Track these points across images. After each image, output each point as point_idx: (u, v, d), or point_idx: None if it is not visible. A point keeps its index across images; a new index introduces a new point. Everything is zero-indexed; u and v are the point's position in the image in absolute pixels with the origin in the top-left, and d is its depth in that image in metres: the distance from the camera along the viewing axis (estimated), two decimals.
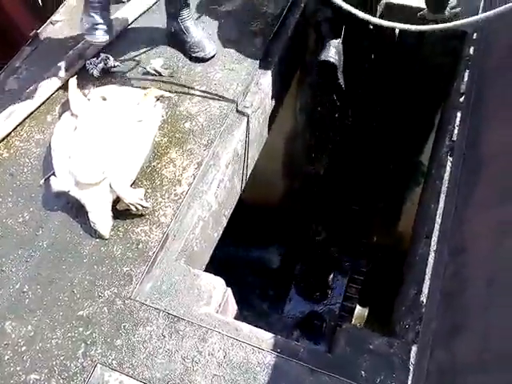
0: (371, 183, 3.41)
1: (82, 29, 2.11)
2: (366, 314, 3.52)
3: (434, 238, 1.76)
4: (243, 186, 2.31)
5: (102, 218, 1.75)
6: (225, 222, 2.18)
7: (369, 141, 3.14)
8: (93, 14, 2.04)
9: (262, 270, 3.94)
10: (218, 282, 1.71)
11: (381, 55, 2.53)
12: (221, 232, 2.15)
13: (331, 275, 3.57)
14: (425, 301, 1.66)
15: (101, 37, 2.08)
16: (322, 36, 2.51)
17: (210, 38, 2.28)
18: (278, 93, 2.39)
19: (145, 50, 2.30)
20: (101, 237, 1.78)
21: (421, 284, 1.69)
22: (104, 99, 1.99)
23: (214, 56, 2.25)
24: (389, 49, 2.51)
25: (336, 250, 3.64)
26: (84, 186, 1.76)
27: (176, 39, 2.25)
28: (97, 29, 2.06)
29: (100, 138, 1.85)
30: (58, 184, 1.79)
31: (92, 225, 1.75)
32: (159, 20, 2.36)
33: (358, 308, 3.53)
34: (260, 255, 4.03)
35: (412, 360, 1.53)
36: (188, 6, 2.17)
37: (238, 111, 2.09)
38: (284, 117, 2.75)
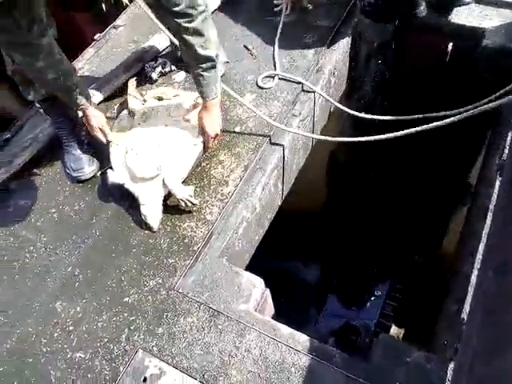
0: (417, 202, 3.39)
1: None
2: (402, 334, 3.47)
3: (479, 256, 1.74)
4: (286, 192, 2.36)
5: (152, 212, 1.84)
6: (267, 225, 2.23)
7: (418, 158, 3.14)
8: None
9: (298, 281, 3.95)
10: (258, 281, 1.75)
11: (433, 70, 2.54)
12: (262, 235, 2.20)
13: (369, 290, 3.55)
14: (465, 318, 1.64)
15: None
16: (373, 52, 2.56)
17: (221, 48, 2.28)
18: (327, 103, 2.43)
19: None
20: (150, 229, 1.86)
21: (462, 301, 1.68)
22: (160, 99, 2.09)
23: (222, 75, 2.26)
24: (441, 65, 2.52)
25: (376, 265, 3.62)
26: (139, 180, 1.85)
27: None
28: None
29: (156, 135, 1.95)
30: (114, 177, 1.89)
31: (143, 217, 1.84)
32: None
33: (394, 327, 3.48)
34: (296, 266, 4.05)
35: (449, 376, 1.51)
36: None
37: (286, 119, 2.14)
38: (330, 128, 2.79)
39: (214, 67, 1.81)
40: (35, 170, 2.06)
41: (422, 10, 2.42)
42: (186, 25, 1.66)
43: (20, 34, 1.54)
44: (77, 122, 2.03)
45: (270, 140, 2.08)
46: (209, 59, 1.77)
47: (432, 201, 3.43)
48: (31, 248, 1.87)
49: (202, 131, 1.93)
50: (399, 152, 2.99)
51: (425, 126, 1.82)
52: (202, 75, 1.81)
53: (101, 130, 1.92)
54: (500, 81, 2.08)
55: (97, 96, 2.20)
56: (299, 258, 4.04)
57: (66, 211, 1.96)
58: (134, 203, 1.89)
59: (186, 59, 1.84)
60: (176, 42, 2.03)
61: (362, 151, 3.13)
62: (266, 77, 2.28)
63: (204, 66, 1.78)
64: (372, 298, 3.56)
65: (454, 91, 2.56)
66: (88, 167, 2.05)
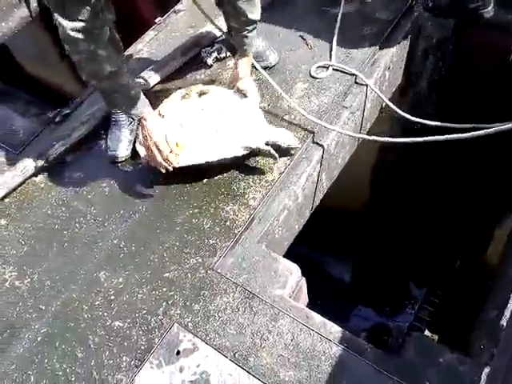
0: (464, 206, 3.28)
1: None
2: (436, 340, 3.38)
3: None
4: (329, 184, 2.34)
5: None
6: (307, 215, 2.23)
7: (467, 161, 3.03)
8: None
9: (332, 278, 3.92)
10: (295, 268, 1.76)
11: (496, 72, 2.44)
12: (302, 225, 2.20)
13: (406, 293, 3.48)
14: (505, 324, 1.59)
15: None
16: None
17: (272, 48, 2.34)
18: (378, 98, 2.39)
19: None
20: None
21: (504, 307, 1.62)
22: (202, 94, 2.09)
23: (275, 65, 2.33)
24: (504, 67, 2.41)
25: (415, 269, 3.54)
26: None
27: None
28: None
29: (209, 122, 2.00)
30: None
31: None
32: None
33: (427, 332, 3.40)
34: (331, 263, 4.01)
35: (483, 381, 1.47)
36: None
37: (336, 110, 2.13)
38: (380, 124, 2.74)
39: (255, 28, 2.01)
40: (91, 145, 2.16)
41: (490, 10, 2.32)
42: None
43: (90, 20, 1.58)
44: None
45: (317, 131, 2.07)
46: (255, 22, 1.97)
47: (479, 205, 3.30)
48: (81, 219, 1.97)
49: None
50: (448, 154, 2.90)
51: (475, 133, 1.77)
52: (247, 36, 2.00)
53: (158, 149, 1.87)
54: None
55: (154, 78, 2.27)
56: (335, 254, 4.00)
57: (116, 186, 2.05)
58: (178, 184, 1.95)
59: (234, 24, 1.98)
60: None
61: (410, 151, 3.05)
62: (320, 67, 2.28)
63: (250, 27, 1.98)
64: (407, 301, 3.49)
65: None
66: (122, 151, 2.10)
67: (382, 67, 2.27)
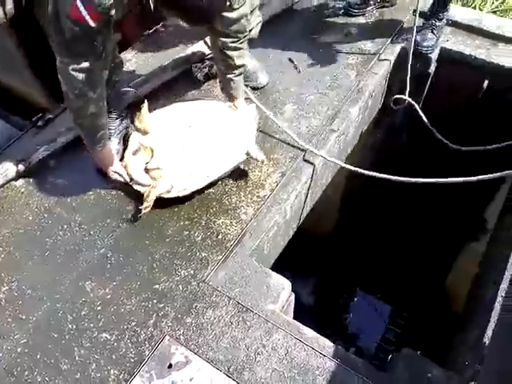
0: (428, 233, 3.44)
1: None
2: None
3: (504, 285, 1.79)
4: (311, 204, 2.40)
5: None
6: (291, 233, 2.26)
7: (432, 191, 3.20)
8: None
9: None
10: (287, 284, 1.77)
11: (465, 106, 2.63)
12: (286, 242, 2.23)
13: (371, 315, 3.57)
14: (487, 342, 1.67)
15: None
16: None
17: (262, 69, 2.41)
18: (361, 124, 2.50)
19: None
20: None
21: (485, 326, 1.71)
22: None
23: (265, 86, 2.40)
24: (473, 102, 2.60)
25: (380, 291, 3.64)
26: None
27: None
28: None
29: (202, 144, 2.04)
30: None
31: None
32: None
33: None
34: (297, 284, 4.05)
35: None
36: None
37: (325, 133, 2.20)
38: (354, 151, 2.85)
39: (242, 73, 2.08)
40: (77, 152, 2.09)
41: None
42: (232, 44, 1.90)
43: (92, 62, 1.60)
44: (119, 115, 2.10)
45: (307, 151, 2.13)
46: (241, 67, 2.02)
47: (442, 233, 3.47)
48: (65, 226, 1.89)
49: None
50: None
51: (443, 180, 1.90)
52: (233, 80, 2.05)
53: (115, 172, 1.94)
54: None
55: (143, 88, 2.25)
56: (301, 274, 4.04)
57: (103, 195, 1.99)
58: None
59: (221, 66, 2.03)
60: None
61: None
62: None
63: (237, 72, 2.03)
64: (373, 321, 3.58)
65: (483, 129, 2.65)
66: None
67: (366, 95, 2.38)
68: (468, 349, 1.72)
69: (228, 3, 1.72)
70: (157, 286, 1.73)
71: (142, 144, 2.01)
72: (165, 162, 1.97)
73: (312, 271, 3.97)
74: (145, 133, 2.05)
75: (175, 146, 2.02)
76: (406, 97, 2.37)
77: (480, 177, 1.86)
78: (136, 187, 1.93)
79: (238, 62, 1.97)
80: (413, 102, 2.36)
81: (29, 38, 3.36)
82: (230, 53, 1.93)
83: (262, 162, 1.99)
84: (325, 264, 3.84)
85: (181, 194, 1.92)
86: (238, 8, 1.79)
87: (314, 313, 3.90)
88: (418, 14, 2.27)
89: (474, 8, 3.14)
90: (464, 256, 3.32)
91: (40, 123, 2.16)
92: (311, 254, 3.79)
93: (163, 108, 2.17)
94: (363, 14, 2.71)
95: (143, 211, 1.86)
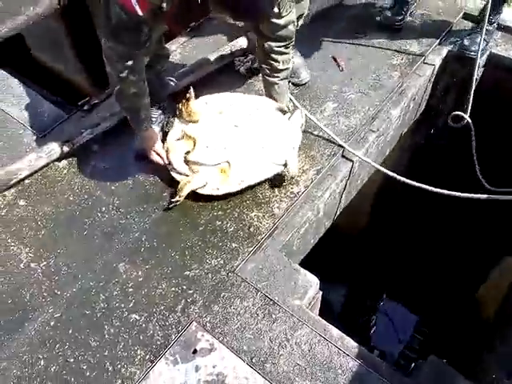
0: (462, 245, 3.36)
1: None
2: None
3: None
4: (345, 204, 2.38)
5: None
6: (323, 231, 2.25)
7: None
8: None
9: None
10: (315, 282, 1.77)
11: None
12: (316, 240, 2.22)
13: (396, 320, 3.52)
14: None
15: None
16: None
17: (305, 66, 2.39)
18: (401, 126, 2.46)
19: None
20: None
21: None
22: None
23: (306, 83, 2.38)
24: None
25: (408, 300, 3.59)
26: None
27: None
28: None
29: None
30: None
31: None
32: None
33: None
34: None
35: None
36: None
37: (364, 133, 2.18)
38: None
39: (287, 77, 2.07)
40: (119, 137, 2.15)
41: None
42: (278, 49, 1.92)
43: (136, 47, 1.67)
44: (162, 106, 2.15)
45: (344, 150, 2.12)
46: (286, 70, 2.02)
47: (476, 246, 3.38)
48: (103, 209, 1.95)
49: None
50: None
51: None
52: (277, 84, 2.05)
53: (156, 152, 1.98)
54: None
55: (185, 79, 2.29)
56: (330, 278, 4.03)
57: (141, 180, 2.04)
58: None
59: (265, 70, 2.03)
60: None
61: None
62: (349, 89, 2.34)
63: (281, 75, 2.02)
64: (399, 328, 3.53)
65: None
66: None
67: (409, 97, 2.34)
68: (497, 363, 1.68)
69: (276, 10, 1.75)
70: (187, 273, 1.76)
71: (185, 132, 2.02)
72: (204, 158, 1.97)
73: (340, 272, 3.94)
74: (189, 121, 2.05)
75: (218, 144, 2.00)
76: (466, 116, 2.23)
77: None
78: (173, 174, 1.96)
79: (282, 66, 1.98)
80: (471, 125, 2.24)
81: (78, 27, 3.48)
82: (275, 56, 1.95)
83: (292, 177, 1.99)
84: (353, 266, 3.81)
85: (214, 193, 1.93)
86: (286, 15, 1.82)
87: (340, 315, 3.89)
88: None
89: None
90: (498, 269, 3.22)
91: (86, 107, 2.23)
92: (340, 253, 3.76)
93: (211, 96, 2.13)
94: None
95: (173, 204, 1.91)
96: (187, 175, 1.94)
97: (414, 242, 3.63)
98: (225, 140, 2.02)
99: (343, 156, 2.11)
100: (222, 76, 2.41)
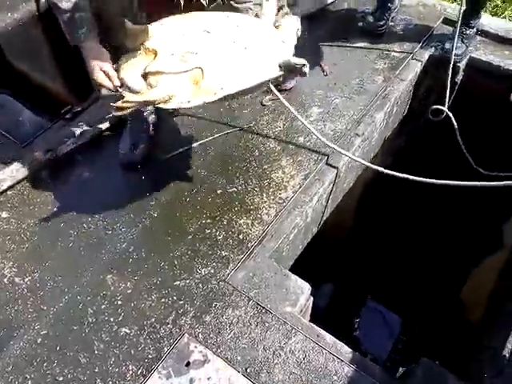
0: (443, 243, 3.40)
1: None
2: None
3: None
4: (331, 209, 2.39)
5: None
6: (310, 237, 2.25)
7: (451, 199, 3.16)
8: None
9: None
10: (306, 287, 1.76)
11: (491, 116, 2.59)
12: (304, 246, 2.22)
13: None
14: (507, 356, 1.65)
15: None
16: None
17: None
18: (385, 130, 2.48)
19: None
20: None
21: (506, 339, 1.68)
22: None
23: (291, 88, 2.36)
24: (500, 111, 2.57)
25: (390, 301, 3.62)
26: None
27: None
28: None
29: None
30: None
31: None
32: None
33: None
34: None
35: None
36: None
37: (349, 137, 2.19)
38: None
39: None
40: (103, 146, 2.11)
41: None
42: None
43: None
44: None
45: (331, 155, 2.12)
46: None
47: (457, 244, 3.42)
48: (89, 219, 1.91)
49: None
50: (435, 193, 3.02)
51: (470, 183, 1.82)
52: None
53: (104, 72, 1.60)
54: None
55: None
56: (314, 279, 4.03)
57: (127, 190, 2.01)
58: (191, 191, 1.93)
59: None
60: None
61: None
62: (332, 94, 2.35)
63: None
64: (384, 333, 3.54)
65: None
66: (137, 155, 2.07)
67: (392, 101, 2.36)
68: (487, 361, 1.70)
69: None
70: (177, 283, 1.73)
71: (143, 46, 1.64)
72: (169, 66, 1.59)
73: (323, 275, 3.96)
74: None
75: (186, 49, 1.64)
76: (445, 108, 2.31)
77: (501, 183, 1.80)
78: (126, 95, 1.55)
79: None
80: (451, 116, 2.31)
81: (55, 33, 3.40)
82: None
83: (304, 65, 1.67)
84: (336, 269, 3.81)
85: (183, 106, 1.60)
86: None
87: (324, 318, 3.89)
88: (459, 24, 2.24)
89: (504, 18, 3.10)
90: (480, 268, 3.27)
91: (68, 116, 2.19)
92: (324, 256, 3.77)
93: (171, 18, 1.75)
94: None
95: (114, 112, 1.55)
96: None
97: (398, 242, 3.67)
98: (194, 45, 1.65)
99: (328, 164, 2.11)
100: None
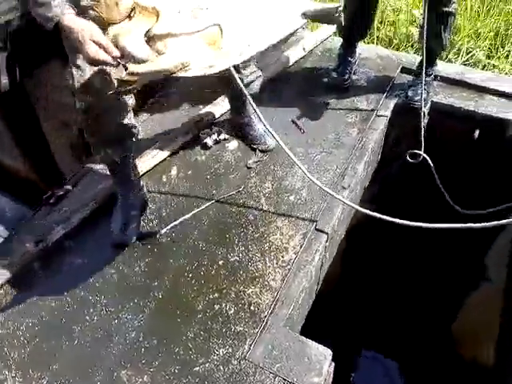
0: (433, 277, 3.49)
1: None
2: None
3: None
4: (329, 263, 2.40)
5: None
6: (314, 297, 2.25)
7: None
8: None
9: None
10: (327, 353, 1.74)
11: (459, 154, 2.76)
12: (310, 305, 2.21)
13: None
14: None
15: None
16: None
17: (268, 132, 2.35)
18: (365, 180, 2.57)
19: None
20: None
21: None
22: None
23: (273, 148, 2.41)
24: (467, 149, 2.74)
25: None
26: None
27: (240, 131, 2.44)
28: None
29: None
30: None
31: None
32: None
33: None
34: None
35: None
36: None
37: (337, 190, 2.25)
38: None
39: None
40: (93, 228, 2.03)
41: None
42: None
43: None
44: (138, 186, 2.06)
45: (323, 211, 2.16)
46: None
47: (447, 275, 3.51)
48: (91, 310, 1.81)
49: None
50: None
51: (454, 225, 1.90)
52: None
53: (96, 43, 1.30)
54: None
55: (158, 156, 2.25)
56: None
57: (126, 272, 1.93)
58: (195, 266, 1.89)
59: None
60: None
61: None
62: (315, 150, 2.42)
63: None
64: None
65: (478, 177, 2.79)
66: (130, 234, 2.01)
67: (369, 151, 2.46)
68: None
69: None
70: (196, 369, 1.66)
71: (138, 6, 1.35)
72: (178, 26, 1.33)
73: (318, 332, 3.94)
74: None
75: (195, 5, 1.39)
76: (421, 152, 2.45)
77: (484, 224, 1.89)
78: (132, 67, 1.28)
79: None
80: (427, 158, 2.44)
81: (17, 115, 3.29)
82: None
83: (338, 9, 1.52)
84: (330, 323, 3.81)
85: (207, 72, 1.31)
86: None
87: None
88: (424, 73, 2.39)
89: (449, 61, 3.36)
90: (467, 304, 3.38)
91: (52, 201, 2.09)
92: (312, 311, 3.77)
93: None
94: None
95: (119, 87, 1.31)
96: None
97: (384, 287, 3.71)
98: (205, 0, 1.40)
99: (317, 229, 2.11)
100: (188, 150, 2.39)
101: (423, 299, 3.56)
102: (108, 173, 2.05)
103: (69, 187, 2.15)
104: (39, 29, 1.38)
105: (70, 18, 1.32)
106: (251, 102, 1.90)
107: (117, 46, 1.31)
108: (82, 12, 1.37)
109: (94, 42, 1.30)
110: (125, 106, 1.76)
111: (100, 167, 2.21)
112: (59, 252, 1.96)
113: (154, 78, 1.38)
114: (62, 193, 2.12)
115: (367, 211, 2.18)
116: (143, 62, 1.28)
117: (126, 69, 1.26)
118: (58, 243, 1.96)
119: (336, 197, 2.10)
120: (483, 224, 1.88)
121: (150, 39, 1.30)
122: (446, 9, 2.42)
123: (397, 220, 2.07)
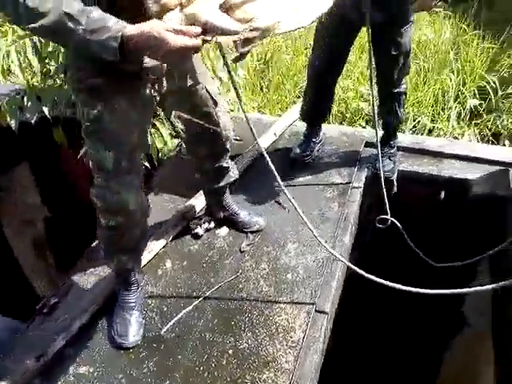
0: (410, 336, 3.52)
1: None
2: None
3: None
4: (329, 333, 2.40)
5: None
6: (319, 370, 2.21)
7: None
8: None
9: None
10: None
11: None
12: (318, 379, 2.17)
13: None
14: None
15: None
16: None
17: (254, 214, 2.52)
18: (349, 249, 2.67)
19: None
20: None
21: None
22: None
23: (264, 228, 2.49)
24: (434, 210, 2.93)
25: None
26: None
27: (228, 221, 2.49)
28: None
29: None
30: None
31: None
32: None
33: None
34: None
35: None
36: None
37: (330, 264, 2.31)
38: None
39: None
40: (94, 334, 1.96)
41: None
42: None
43: None
44: (139, 284, 2.05)
45: (322, 286, 2.20)
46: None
47: (425, 332, 3.56)
48: None
49: None
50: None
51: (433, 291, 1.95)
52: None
53: (173, 31, 1.20)
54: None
55: (153, 250, 2.25)
56: None
57: (135, 375, 1.85)
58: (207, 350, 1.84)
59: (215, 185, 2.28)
60: None
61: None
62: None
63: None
64: None
65: (447, 234, 2.97)
66: (132, 337, 1.96)
67: (352, 222, 2.58)
68: None
69: None
70: None
71: None
72: None
73: None
74: None
75: None
76: (388, 216, 2.61)
77: (476, 288, 1.99)
78: (220, 39, 1.24)
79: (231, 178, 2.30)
80: (395, 221, 2.60)
81: None
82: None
83: None
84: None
85: (299, 26, 1.27)
86: None
87: None
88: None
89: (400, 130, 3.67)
90: (451, 350, 3.42)
91: (45, 310, 2.02)
92: None
93: None
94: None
95: (240, 49, 1.24)
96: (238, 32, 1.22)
97: (368, 346, 3.70)
98: None
99: (316, 311, 2.12)
100: (180, 241, 2.42)
101: (407, 356, 3.56)
102: (102, 274, 2.04)
103: (62, 293, 2.09)
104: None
105: (132, 27, 1.24)
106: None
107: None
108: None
109: (172, 31, 1.20)
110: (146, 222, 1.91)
111: (85, 278, 2.20)
112: (61, 363, 1.87)
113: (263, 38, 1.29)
114: (55, 300, 2.06)
115: (372, 276, 2.25)
116: (231, 31, 1.22)
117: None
118: (59, 354, 1.87)
119: (347, 263, 2.13)
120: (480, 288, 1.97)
121: (228, 9, 1.24)
122: (398, 90, 2.71)
123: (397, 285, 2.13)
